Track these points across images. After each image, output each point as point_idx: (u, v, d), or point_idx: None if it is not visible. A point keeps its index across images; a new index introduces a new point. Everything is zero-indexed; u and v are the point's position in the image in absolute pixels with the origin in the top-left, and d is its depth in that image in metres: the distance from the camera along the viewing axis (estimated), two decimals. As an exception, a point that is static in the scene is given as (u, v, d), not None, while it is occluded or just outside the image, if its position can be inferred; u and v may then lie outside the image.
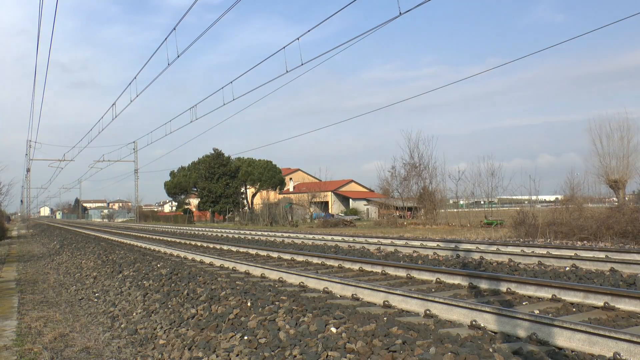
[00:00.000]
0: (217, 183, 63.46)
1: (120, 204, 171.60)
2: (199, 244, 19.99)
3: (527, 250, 12.99)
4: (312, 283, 8.67)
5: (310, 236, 21.87)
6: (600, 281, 8.34)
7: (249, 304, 6.64)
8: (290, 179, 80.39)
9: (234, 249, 16.87)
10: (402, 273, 9.73)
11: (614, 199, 32.87)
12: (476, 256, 12.16)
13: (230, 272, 10.91)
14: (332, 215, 52.90)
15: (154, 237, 27.00)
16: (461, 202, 41.93)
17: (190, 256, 14.44)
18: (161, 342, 6.60)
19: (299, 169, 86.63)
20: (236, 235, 26.43)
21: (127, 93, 20.61)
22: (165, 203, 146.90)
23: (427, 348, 4.35)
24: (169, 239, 24.17)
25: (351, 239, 19.89)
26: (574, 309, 6.43)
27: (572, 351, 4.49)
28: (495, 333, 5.13)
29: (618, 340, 4.28)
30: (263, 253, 14.92)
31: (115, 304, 9.57)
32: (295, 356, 4.84)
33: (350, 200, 66.88)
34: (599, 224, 17.46)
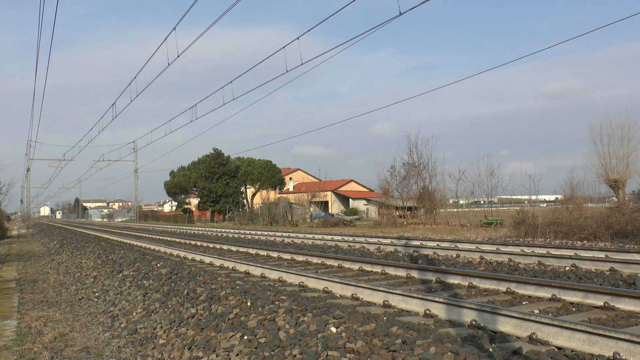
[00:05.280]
0: (217, 183, 63.47)
1: (120, 204, 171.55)
2: (198, 243, 19.98)
3: (527, 250, 12.99)
4: (312, 283, 8.67)
5: (310, 236, 21.87)
6: (600, 281, 8.34)
7: (248, 304, 6.64)
8: (290, 178, 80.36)
9: (233, 248, 16.87)
10: (402, 273, 9.74)
11: (614, 198, 32.89)
12: (476, 256, 12.16)
13: (230, 272, 10.91)
14: (332, 215, 52.89)
15: (153, 236, 26.99)
16: (461, 201, 41.95)
17: (190, 256, 14.43)
18: (161, 341, 6.59)
19: (298, 169, 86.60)
20: (236, 235, 26.42)
21: (126, 93, 20.54)
22: (165, 203, 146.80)
23: (427, 348, 4.35)
24: (168, 239, 24.17)
25: (351, 238, 19.88)
26: (574, 309, 6.44)
27: (572, 351, 4.49)
28: (495, 333, 5.13)
29: (618, 340, 4.28)
30: (263, 253, 14.92)
31: (115, 303, 9.56)
32: (295, 356, 4.84)
33: (350, 199, 66.86)
34: (599, 223, 17.47)
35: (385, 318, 5.62)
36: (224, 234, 27.92)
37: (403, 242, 16.75)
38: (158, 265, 11.66)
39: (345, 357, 4.52)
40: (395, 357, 4.30)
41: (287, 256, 13.55)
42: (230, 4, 11.07)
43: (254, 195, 68.97)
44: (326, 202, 66.77)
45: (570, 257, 10.87)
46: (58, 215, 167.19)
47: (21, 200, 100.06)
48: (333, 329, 5.15)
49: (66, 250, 20.91)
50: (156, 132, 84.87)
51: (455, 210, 38.81)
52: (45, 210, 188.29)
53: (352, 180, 73.56)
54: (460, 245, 14.79)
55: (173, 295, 8.49)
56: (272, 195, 65.62)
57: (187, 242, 21.28)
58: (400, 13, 10.18)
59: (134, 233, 31.92)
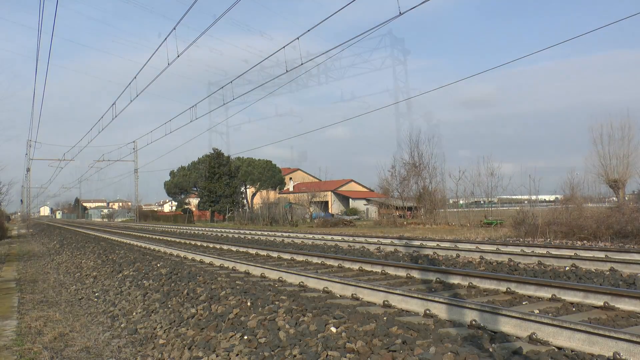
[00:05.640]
0: (217, 183, 63.49)
1: (120, 204, 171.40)
2: (198, 243, 19.98)
3: (527, 250, 12.99)
4: (311, 283, 8.67)
5: (310, 236, 21.87)
6: (600, 281, 8.34)
7: (248, 304, 6.64)
8: (290, 178, 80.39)
9: (233, 248, 16.87)
10: (402, 273, 9.74)
11: (614, 198, 32.91)
12: (476, 256, 12.16)
13: (230, 272, 10.91)
14: (332, 215, 52.92)
15: (153, 236, 26.99)
16: (461, 201, 41.94)
17: (190, 256, 14.43)
18: (161, 341, 6.60)
19: (298, 169, 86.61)
20: (236, 235, 26.43)
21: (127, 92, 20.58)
22: (165, 203, 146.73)
23: (427, 348, 4.35)
24: (168, 239, 24.17)
25: (351, 238, 19.88)
26: (574, 309, 6.43)
27: (572, 351, 4.49)
28: (495, 333, 5.13)
29: (618, 340, 4.28)
30: (263, 253, 14.92)
31: (115, 303, 9.57)
32: (295, 356, 4.84)
33: (350, 199, 66.88)
34: (599, 223, 17.47)
35: (385, 318, 5.62)
36: (224, 234, 27.92)
37: (403, 242, 16.75)
38: (158, 265, 11.66)
39: (345, 357, 4.52)
40: (395, 357, 4.30)
41: (287, 256, 13.55)
42: (232, 10, 11.08)
43: (254, 195, 69.02)
44: (326, 202, 66.80)
45: (570, 257, 10.87)
46: (58, 215, 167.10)
47: (21, 200, 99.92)
48: (333, 329, 5.15)
49: (66, 250, 20.92)
50: (156, 132, 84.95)
51: (455, 210, 38.81)
52: (45, 210, 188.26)
53: (352, 180, 73.58)
54: (460, 245, 14.79)
55: (173, 295, 8.49)
56: (272, 195, 65.66)
57: (187, 242, 21.28)
58: (400, 13, 10.19)
59: (134, 233, 31.92)
